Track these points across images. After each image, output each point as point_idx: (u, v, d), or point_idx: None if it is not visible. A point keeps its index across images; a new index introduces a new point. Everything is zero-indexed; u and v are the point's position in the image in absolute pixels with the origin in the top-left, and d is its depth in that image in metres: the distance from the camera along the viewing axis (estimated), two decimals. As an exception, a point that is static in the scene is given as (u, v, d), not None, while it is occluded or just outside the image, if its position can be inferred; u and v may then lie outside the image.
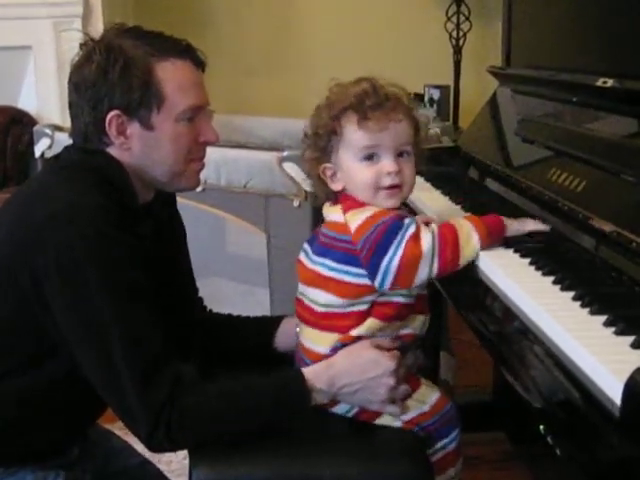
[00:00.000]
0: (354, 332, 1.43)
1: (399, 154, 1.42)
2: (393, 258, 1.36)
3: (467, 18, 4.02)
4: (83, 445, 1.59)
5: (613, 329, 1.06)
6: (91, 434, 1.64)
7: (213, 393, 1.40)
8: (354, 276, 1.41)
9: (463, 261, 1.40)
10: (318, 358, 1.45)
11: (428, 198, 1.92)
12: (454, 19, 4.03)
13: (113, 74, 1.40)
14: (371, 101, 1.40)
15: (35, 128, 2.92)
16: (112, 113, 1.41)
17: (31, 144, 2.92)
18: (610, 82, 1.58)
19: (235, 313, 1.76)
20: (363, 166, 1.42)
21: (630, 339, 1.01)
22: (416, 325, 1.49)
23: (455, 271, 1.41)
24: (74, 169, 1.45)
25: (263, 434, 1.39)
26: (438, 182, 2.06)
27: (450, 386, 2.56)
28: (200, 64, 1.49)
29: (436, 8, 4.09)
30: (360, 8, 4.22)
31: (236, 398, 1.40)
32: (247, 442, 1.39)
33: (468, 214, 1.59)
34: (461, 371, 2.67)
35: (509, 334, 1.22)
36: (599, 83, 1.61)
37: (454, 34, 4.04)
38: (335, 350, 1.44)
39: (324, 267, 1.45)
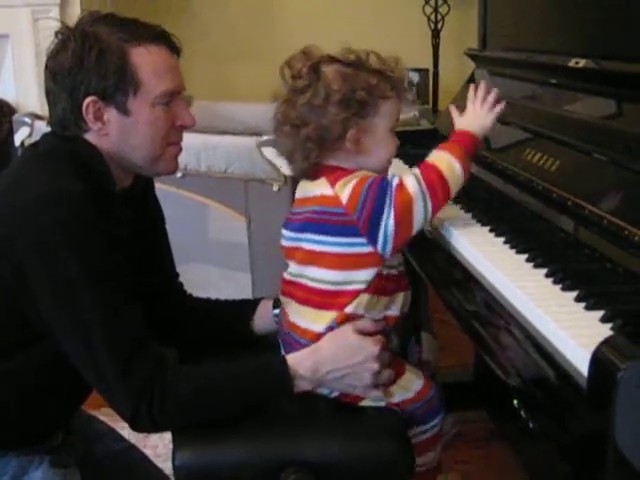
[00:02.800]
0: (348, 309, 1.44)
1: None
2: (389, 218, 1.37)
3: (445, 1, 4.03)
4: (67, 430, 1.61)
5: (584, 304, 1.08)
6: (75, 419, 1.65)
7: (195, 376, 1.41)
8: (353, 246, 1.41)
9: (452, 186, 1.42)
10: (315, 337, 1.46)
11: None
12: (432, 2, 4.05)
13: (89, 61, 1.40)
14: (403, 81, 1.47)
15: (14, 117, 2.91)
16: (89, 99, 1.41)
17: (11, 133, 2.92)
18: (582, 62, 1.60)
19: (218, 297, 1.76)
20: (392, 136, 1.47)
21: (600, 314, 1.03)
22: (400, 304, 1.50)
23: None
24: (53, 156, 1.45)
25: (245, 415, 1.41)
26: (415, 164, 2.07)
27: (432, 367, 2.58)
28: (175, 49, 1.49)
29: (414, -9, 4.10)
30: (339, -8, 4.23)
31: (218, 382, 1.41)
32: (229, 424, 1.40)
33: None
34: (443, 351, 2.69)
35: (482, 311, 1.24)
36: (571, 64, 1.63)
37: (432, 17, 4.05)
38: (331, 329, 1.45)
39: (311, 242, 1.44)
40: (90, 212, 1.36)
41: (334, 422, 1.47)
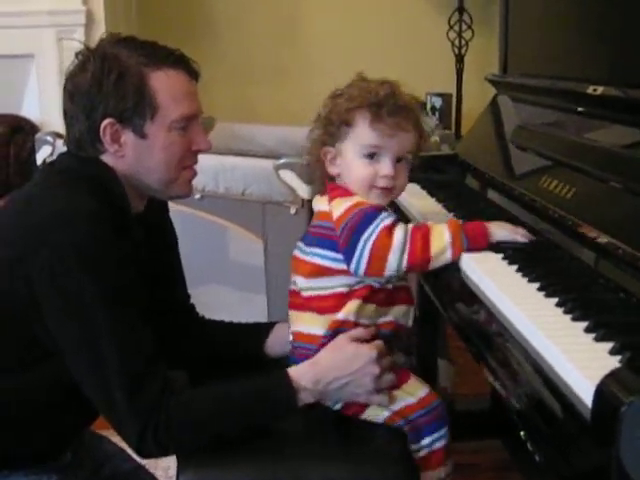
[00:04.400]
0: (340, 315, 1.47)
1: (398, 159, 1.48)
2: (365, 245, 1.42)
3: (469, 26, 4.04)
4: (76, 450, 1.61)
5: (593, 335, 1.06)
6: (85, 439, 1.65)
7: (200, 399, 1.41)
8: (332, 260, 1.47)
9: (434, 258, 1.44)
10: (317, 341, 1.48)
11: (422, 205, 1.93)
12: (456, 27, 4.06)
13: (108, 83, 1.42)
14: (389, 106, 1.45)
15: (37, 136, 2.93)
16: (106, 121, 1.42)
17: (33, 152, 2.94)
18: (600, 90, 1.59)
19: (232, 319, 1.76)
20: (363, 162, 1.48)
21: (609, 345, 1.02)
22: (397, 313, 1.52)
23: (426, 270, 1.47)
24: (69, 175, 1.46)
25: (252, 434, 1.41)
26: (434, 190, 2.07)
27: (448, 394, 2.56)
28: (193, 74, 1.50)
29: (438, 16, 4.11)
30: (362, 16, 4.25)
31: (223, 403, 1.41)
32: (233, 446, 1.40)
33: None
34: (459, 378, 2.67)
35: (493, 340, 1.23)
36: (589, 90, 1.62)
37: (456, 42, 4.06)
38: (329, 335, 1.48)
39: (313, 255, 1.49)
40: (105, 232, 1.37)
41: (339, 445, 1.47)
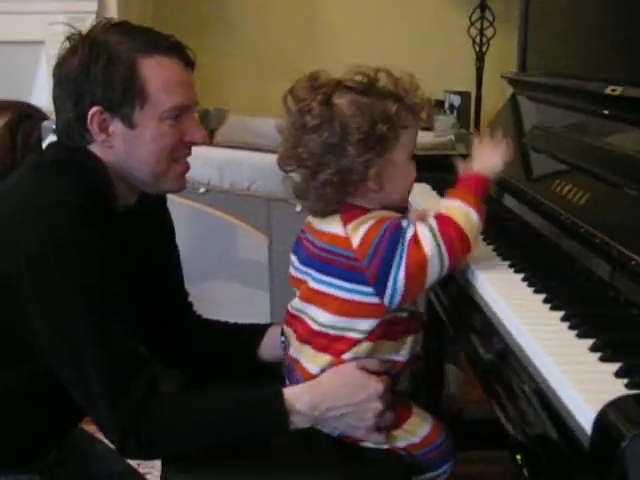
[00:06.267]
0: (346, 356, 1.35)
1: None
2: (399, 271, 1.26)
3: (491, 24, 3.94)
4: (62, 449, 1.56)
5: (599, 355, 0.98)
6: (71, 439, 1.60)
7: (186, 406, 1.35)
8: (358, 294, 1.31)
9: (472, 239, 1.31)
10: (308, 376, 1.38)
11: (432, 205, 1.85)
12: (478, 25, 3.95)
13: (96, 69, 1.36)
14: (420, 102, 1.34)
15: (43, 124, 2.87)
16: (94, 109, 1.37)
17: (40, 140, 2.89)
18: (619, 90, 1.50)
19: (235, 315, 1.71)
20: (412, 165, 1.36)
21: (615, 367, 0.93)
22: (408, 348, 1.40)
23: (469, 251, 1.33)
24: (54, 167, 1.41)
25: (239, 447, 1.34)
26: (444, 190, 1.99)
27: (457, 400, 2.49)
28: (189, 62, 1.44)
29: (460, 13, 4.02)
30: (382, 11, 4.17)
31: (210, 413, 1.34)
32: (220, 455, 1.34)
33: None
34: (470, 385, 2.60)
35: (489, 350, 1.16)
36: (608, 91, 1.53)
37: (477, 40, 3.96)
38: (323, 371, 1.36)
39: (315, 280, 1.35)
40: (86, 230, 1.31)
41: (334, 465, 1.39)
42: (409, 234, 1.28)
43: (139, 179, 1.43)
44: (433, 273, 1.28)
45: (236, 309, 1.79)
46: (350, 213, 1.32)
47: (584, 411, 0.84)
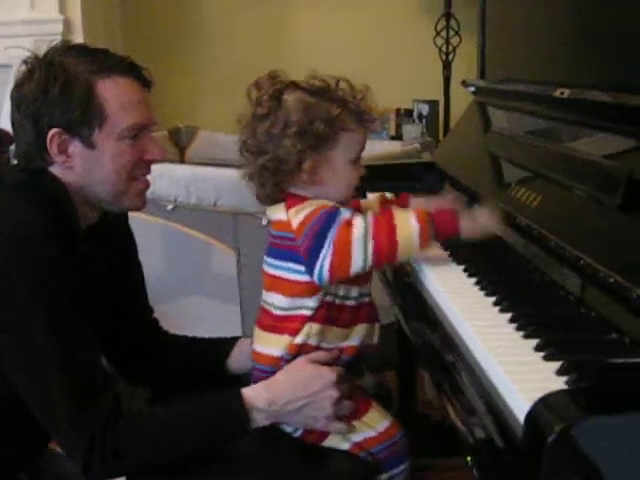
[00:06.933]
0: (298, 339, 1.40)
1: None
2: (327, 249, 1.34)
3: (457, 32, 3.98)
4: (32, 470, 1.56)
5: (542, 354, 1.00)
6: (42, 459, 1.60)
7: (149, 419, 1.37)
8: (297, 273, 1.39)
9: (401, 247, 1.35)
10: (273, 362, 1.42)
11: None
12: (443, 34, 3.99)
13: (53, 92, 1.37)
14: (369, 112, 1.42)
15: (11, 147, 2.88)
16: (53, 131, 1.38)
17: (9, 163, 2.90)
18: (567, 92, 1.54)
19: (208, 330, 1.72)
20: (353, 168, 1.42)
21: (557, 365, 0.96)
22: (361, 332, 1.45)
23: (395, 260, 1.38)
24: (15, 190, 1.41)
25: (205, 453, 1.37)
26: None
27: (435, 407, 2.51)
28: (145, 82, 1.46)
29: (425, 23, 4.05)
30: (349, 23, 4.21)
31: (172, 424, 1.37)
32: (187, 468, 1.35)
33: None
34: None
35: (441, 353, 1.18)
36: (556, 94, 1.57)
37: (444, 49, 4.00)
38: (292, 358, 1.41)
39: (272, 267, 1.44)
40: (49, 252, 1.31)
41: (296, 467, 1.41)
42: (343, 216, 1.36)
43: (100, 198, 1.44)
44: (357, 259, 1.34)
45: (208, 324, 1.81)
46: (293, 200, 1.41)
47: (524, 410, 0.86)
